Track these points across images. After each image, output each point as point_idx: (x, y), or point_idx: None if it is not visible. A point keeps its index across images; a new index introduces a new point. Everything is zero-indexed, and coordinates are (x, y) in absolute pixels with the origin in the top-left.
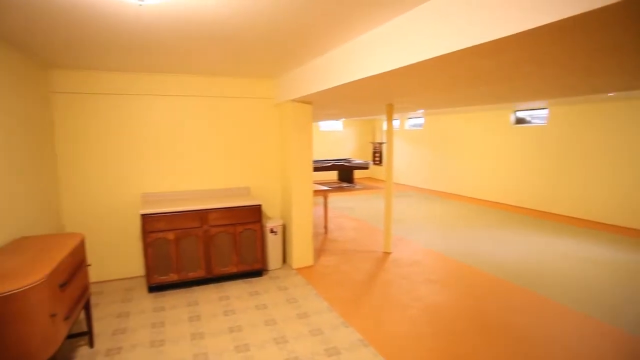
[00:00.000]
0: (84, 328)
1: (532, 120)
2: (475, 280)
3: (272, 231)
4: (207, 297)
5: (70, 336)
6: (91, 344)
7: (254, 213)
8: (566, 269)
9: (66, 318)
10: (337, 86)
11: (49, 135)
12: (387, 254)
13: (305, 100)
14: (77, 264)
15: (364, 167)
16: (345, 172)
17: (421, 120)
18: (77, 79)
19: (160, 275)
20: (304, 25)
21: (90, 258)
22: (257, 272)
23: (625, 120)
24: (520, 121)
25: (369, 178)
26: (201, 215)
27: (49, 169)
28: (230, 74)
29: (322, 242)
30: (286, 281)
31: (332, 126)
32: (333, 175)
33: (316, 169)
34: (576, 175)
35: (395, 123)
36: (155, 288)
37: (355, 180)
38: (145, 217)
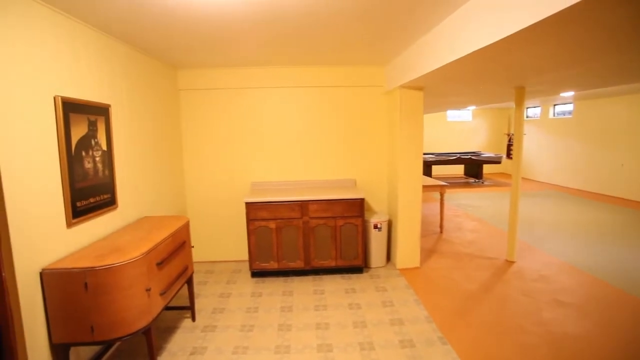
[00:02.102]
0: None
1: None
2: (624, 308)
3: (375, 227)
4: (303, 288)
5: (177, 308)
6: (193, 317)
7: (356, 207)
8: None
9: (162, 293)
10: (446, 65)
11: (177, 129)
12: (509, 262)
13: (414, 86)
14: (178, 244)
15: (495, 161)
16: (473, 167)
17: (570, 107)
18: (197, 76)
19: (261, 262)
20: None
21: (206, 240)
22: (357, 268)
23: None
24: None
25: (502, 174)
26: (302, 206)
27: (177, 158)
28: (338, 63)
29: (435, 242)
30: (386, 282)
31: (460, 116)
32: (459, 169)
33: (439, 162)
34: None
35: (536, 111)
36: (256, 274)
37: (485, 176)
38: (248, 205)
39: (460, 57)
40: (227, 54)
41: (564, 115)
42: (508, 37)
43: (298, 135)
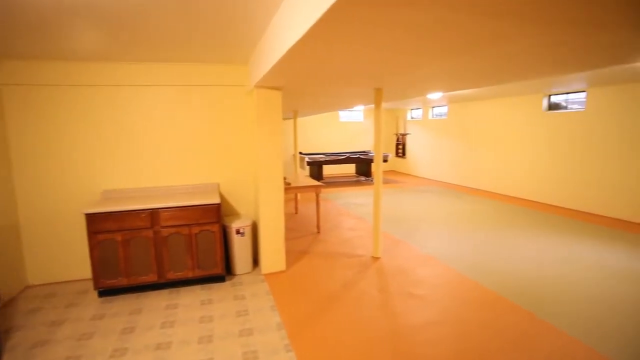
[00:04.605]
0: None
1: (570, 106)
2: (472, 299)
3: (238, 232)
4: (156, 304)
5: None
6: None
7: (212, 212)
8: (600, 293)
9: None
10: (279, 62)
11: None
12: (375, 259)
13: (271, 86)
14: None
15: (382, 159)
16: (363, 165)
17: (445, 109)
18: (30, 69)
19: (108, 279)
20: None
21: (46, 258)
22: (219, 277)
23: None
24: (554, 107)
25: (393, 171)
26: (152, 214)
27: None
28: (200, 60)
29: (310, 243)
30: (248, 289)
31: (352, 117)
32: (351, 168)
33: (330, 162)
34: (623, 170)
35: (419, 112)
36: (105, 292)
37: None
38: (90, 217)
39: (284, 54)
40: (57, 43)
41: (440, 116)
42: (309, 31)
43: (159, 138)
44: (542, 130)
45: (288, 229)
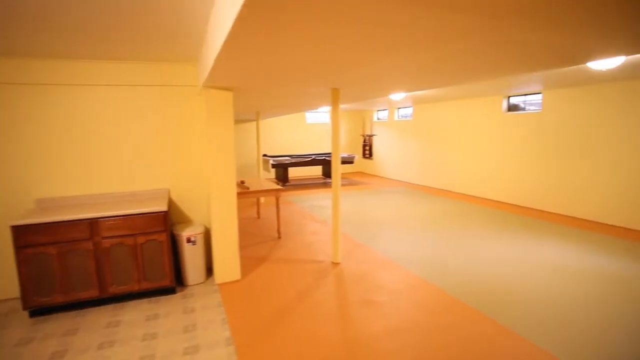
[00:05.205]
0: None
1: (527, 107)
2: (432, 304)
3: (189, 240)
4: (95, 322)
5: None
6: None
7: (159, 221)
8: (558, 291)
9: None
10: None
11: None
12: (335, 264)
13: (220, 86)
14: None
15: (348, 161)
16: (329, 167)
17: (410, 110)
18: None
19: (40, 296)
20: None
21: None
22: (169, 289)
23: (632, 103)
24: (513, 108)
25: (360, 173)
26: (92, 224)
27: None
28: (145, 58)
29: (270, 249)
30: (199, 301)
31: (319, 118)
32: (318, 170)
33: (295, 165)
34: (578, 168)
35: (385, 114)
36: (38, 312)
37: (342, 176)
38: (16, 230)
39: (220, 50)
40: None
41: (406, 117)
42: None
43: (103, 141)
44: (503, 130)
45: (249, 235)
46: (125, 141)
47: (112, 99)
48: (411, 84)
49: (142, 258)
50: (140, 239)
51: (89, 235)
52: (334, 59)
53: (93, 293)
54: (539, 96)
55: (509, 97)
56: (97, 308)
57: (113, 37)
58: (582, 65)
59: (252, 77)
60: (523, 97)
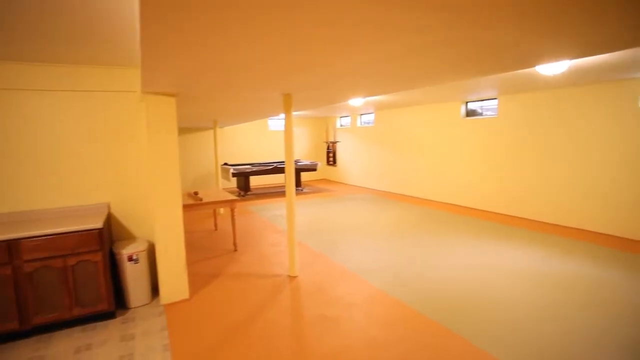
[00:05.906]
0: None
1: (484, 113)
2: (389, 317)
3: (130, 259)
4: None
5: None
6: None
7: (92, 239)
8: (516, 298)
9: None
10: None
11: None
12: (291, 278)
13: (162, 92)
14: None
15: (311, 168)
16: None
17: (372, 117)
18: None
19: None
20: None
21: None
22: (107, 314)
23: (585, 106)
24: (471, 114)
25: (324, 180)
26: (10, 246)
27: None
28: (81, 61)
29: (225, 263)
30: (140, 325)
31: (281, 126)
32: (281, 178)
33: (256, 173)
34: (533, 171)
35: (348, 120)
36: None
37: (306, 183)
38: None
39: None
40: None
41: (369, 123)
42: None
43: (32, 152)
44: (462, 136)
45: (203, 249)
46: (60, 152)
47: (45, 105)
48: (366, 88)
49: (73, 281)
50: (71, 260)
51: (8, 259)
52: (263, 59)
53: (12, 326)
54: (495, 101)
55: (467, 102)
56: (18, 342)
57: (38, 37)
58: (533, 71)
59: (193, 81)
60: (480, 102)
